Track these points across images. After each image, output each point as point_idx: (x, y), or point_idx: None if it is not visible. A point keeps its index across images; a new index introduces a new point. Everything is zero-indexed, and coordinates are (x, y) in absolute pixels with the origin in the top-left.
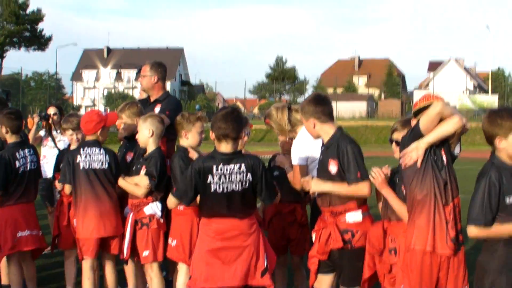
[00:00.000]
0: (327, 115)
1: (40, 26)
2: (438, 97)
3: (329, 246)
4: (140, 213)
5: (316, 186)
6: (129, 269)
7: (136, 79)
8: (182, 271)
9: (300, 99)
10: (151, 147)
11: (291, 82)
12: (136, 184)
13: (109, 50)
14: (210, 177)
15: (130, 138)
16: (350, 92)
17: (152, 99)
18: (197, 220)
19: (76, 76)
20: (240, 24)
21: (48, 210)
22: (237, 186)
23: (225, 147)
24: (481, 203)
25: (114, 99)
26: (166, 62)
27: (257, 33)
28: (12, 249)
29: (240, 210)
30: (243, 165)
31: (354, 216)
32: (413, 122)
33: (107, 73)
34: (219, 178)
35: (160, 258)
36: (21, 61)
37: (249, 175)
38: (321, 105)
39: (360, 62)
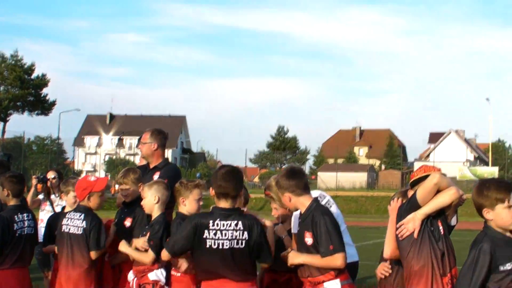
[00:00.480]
0: (302, 188)
1: (45, 91)
2: (435, 168)
3: None
4: (144, 278)
5: (292, 258)
6: None
7: (137, 146)
8: None
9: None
10: (156, 213)
11: (292, 152)
12: (137, 248)
13: (112, 116)
14: (206, 232)
15: (128, 204)
16: (351, 163)
17: (151, 166)
18: None
19: (78, 142)
20: (242, 94)
21: (44, 275)
22: (232, 244)
23: (224, 204)
24: (470, 276)
25: (115, 165)
26: (168, 129)
27: (259, 102)
28: None
29: (235, 271)
30: (240, 223)
31: (332, 286)
32: (410, 193)
33: (109, 139)
34: (215, 234)
35: None
36: (24, 125)
37: (245, 234)
38: (294, 178)
39: (361, 132)
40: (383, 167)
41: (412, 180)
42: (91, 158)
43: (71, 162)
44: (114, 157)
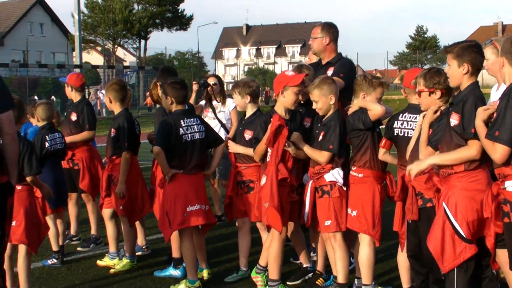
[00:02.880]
0: None
1: (181, 6)
2: None
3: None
4: (320, 180)
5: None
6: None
7: (276, 54)
8: (364, 242)
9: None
10: (331, 111)
11: (433, 52)
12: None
13: (248, 27)
14: None
15: (305, 103)
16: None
17: (324, 62)
18: (378, 188)
19: (217, 54)
20: None
21: (210, 182)
22: None
23: None
24: None
25: (255, 75)
26: (305, 37)
27: (397, 4)
28: (182, 224)
29: None
30: None
31: None
32: None
33: (247, 50)
34: None
35: (344, 228)
36: (163, 42)
37: None
38: None
39: (504, 27)
40: None
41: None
42: (230, 69)
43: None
44: (253, 67)
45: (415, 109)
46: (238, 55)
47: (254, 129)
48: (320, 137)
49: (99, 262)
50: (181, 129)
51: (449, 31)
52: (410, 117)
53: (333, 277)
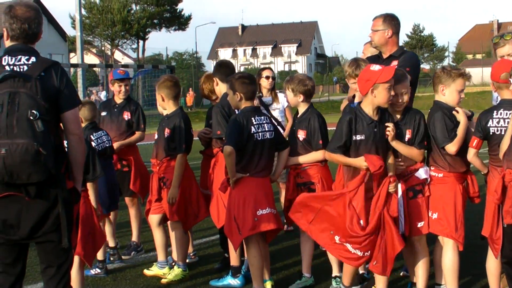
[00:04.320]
0: None
1: (180, 6)
2: None
3: None
4: (411, 179)
5: None
6: None
7: (272, 54)
8: (448, 246)
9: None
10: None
11: (429, 50)
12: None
13: (243, 28)
14: None
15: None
16: (492, 57)
17: (385, 56)
18: (460, 188)
19: (212, 55)
20: None
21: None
22: None
23: None
24: None
25: None
26: (300, 36)
27: (392, 3)
28: (253, 230)
29: None
30: None
31: None
32: None
33: (243, 51)
34: None
35: (430, 230)
36: (162, 42)
37: None
38: None
39: (499, 25)
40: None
41: None
42: None
43: None
44: (249, 67)
45: (510, 104)
46: (234, 56)
47: (306, 128)
48: (408, 135)
49: (146, 272)
50: (252, 127)
51: (445, 29)
52: (506, 113)
53: (410, 284)
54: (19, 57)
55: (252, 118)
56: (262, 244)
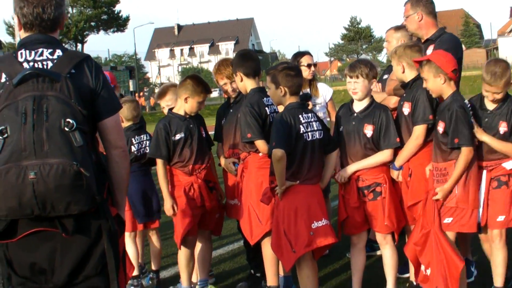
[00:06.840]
0: None
1: (117, 8)
2: None
3: None
4: (497, 169)
5: None
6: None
7: (210, 53)
8: None
9: (380, 58)
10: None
11: (367, 42)
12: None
13: (179, 27)
14: None
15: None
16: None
17: (423, 40)
18: None
19: (150, 56)
20: None
21: None
22: None
23: None
24: None
25: None
26: (237, 33)
27: None
28: (309, 246)
29: None
30: None
31: None
32: None
33: (180, 50)
34: None
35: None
36: (100, 45)
37: None
38: None
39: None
40: (463, 47)
41: None
42: (164, 70)
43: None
44: (187, 66)
45: None
46: (171, 56)
47: (376, 122)
48: (504, 128)
49: None
50: (301, 126)
51: (382, 20)
52: None
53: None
54: (40, 50)
55: (300, 116)
56: (312, 263)
